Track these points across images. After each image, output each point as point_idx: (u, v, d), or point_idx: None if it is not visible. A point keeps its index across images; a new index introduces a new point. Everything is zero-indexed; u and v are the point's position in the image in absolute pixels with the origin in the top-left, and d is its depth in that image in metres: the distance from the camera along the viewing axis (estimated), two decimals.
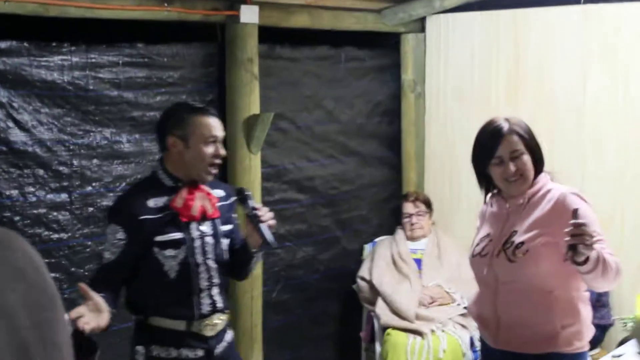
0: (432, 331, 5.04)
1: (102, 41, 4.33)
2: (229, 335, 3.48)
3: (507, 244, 3.28)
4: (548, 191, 3.28)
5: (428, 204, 5.67)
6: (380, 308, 5.23)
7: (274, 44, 5.19)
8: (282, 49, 5.28)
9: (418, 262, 5.46)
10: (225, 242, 3.40)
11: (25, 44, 4.02)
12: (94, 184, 4.29)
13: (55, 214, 4.15)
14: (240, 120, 4.82)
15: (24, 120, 4.02)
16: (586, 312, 3.31)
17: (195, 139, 3.26)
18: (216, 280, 3.35)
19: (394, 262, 5.44)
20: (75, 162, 4.22)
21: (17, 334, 1.00)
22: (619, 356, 3.90)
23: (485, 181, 3.43)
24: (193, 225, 3.29)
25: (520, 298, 3.26)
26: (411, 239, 5.57)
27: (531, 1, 5.50)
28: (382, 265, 5.42)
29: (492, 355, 3.43)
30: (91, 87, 4.27)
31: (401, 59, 6.03)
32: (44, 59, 4.09)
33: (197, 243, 3.29)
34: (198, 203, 3.27)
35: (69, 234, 4.20)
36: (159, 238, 3.20)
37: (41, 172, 4.09)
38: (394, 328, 5.10)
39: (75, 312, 2.76)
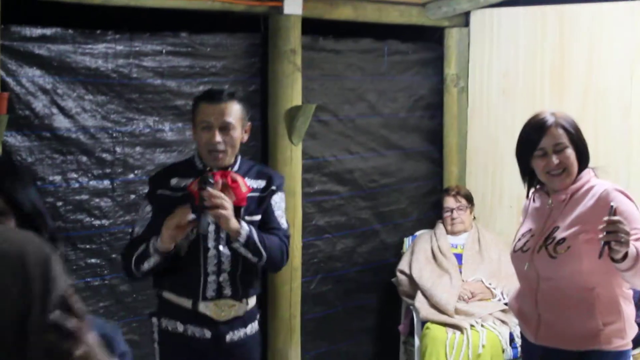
0: (472, 326, 5.01)
1: (146, 30, 4.36)
2: (250, 328, 3.48)
3: (549, 239, 3.25)
4: (592, 187, 3.24)
5: (469, 198, 5.63)
6: (420, 302, 5.21)
7: (317, 35, 5.18)
8: (325, 41, 5.27)
9: (458, 256, 5.44)
10: None
11: (70, 31, 4.06)
12: (136, 172, 4.31)
13: (97, 200, 4.18)
14: (282, 111, 4.83)
15: (68, 107, 4.05)
16: (629, 310, 3.28)
17: (196, 125, 3.36)
18: (227, 267, 3.34)
19: (434, 256, 5.42)
20: (118, 150, 4.25)
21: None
22: None
23: (529, 175, 3.40)
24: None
25: (561, 294, 3.24)
26: (452, 233, 5.54)
27: None
28: (421, 259, 5.40)
29: (532, 351, 3.41)
30: (135, 75, 4.30)
31: (444, 53, 5.99)
32: (89, 46, 4.12)
33: (211, 228, 3.31)
34: (216, 188, 3.25)
35: (111, 221, 4.23)
36: None
37: (84, 158, 4.13)
38: (433, 322, 5.08)
39: None
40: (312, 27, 5.01)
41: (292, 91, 4.85)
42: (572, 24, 5.48)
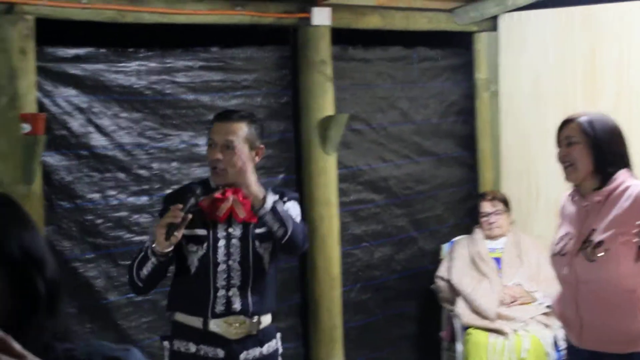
0: (515, 331, 4.97)
1: (178, 46, 4.41)
2: (267, 348, 3.41)
3: (586, 243, 3.23)
4: (627, 187, 3.22)
5: (506, 202, 5.61)
6: (461, 307, 5.18)
7: (346, 45, 5.21)
8: (354, 51, 5.29)
9: (497, 261, 5.41)
10: (261, 245, 3.34)
11: (103, 50, 4.12)
12: (173, 187, 4.34)
13: (136, 216, 4.22)
14: (314, 122, 4.85)
15: (104, 125, 4.10)
16: None
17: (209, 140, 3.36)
18: (236, 282, 3.30)
19: (473, 262, 5.39)
20: (154, 166, 4.29)
21: None
22: None
23: None
24: (221, 226, 3.30)
25: (601, 298, 3.21)
26: (489, 238, 5.52)
27: None
28: (460, 264, 5.38)
29: (578, 355, 3.38)
30: (168, 92, 4.35)
31: (474, 58, 5.99)
32: (122, 64, 4.18)
33: (222, 243, 3.29)
34: (226, 204, 3.25)
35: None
36: (185, 232, 3.20)
37: (122, 175, 4.17)
38: (475, 327, 5.05)
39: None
40: (341, 37, 5.04)
41: (324, 101, 4.87)
42: (601, 24, 5.45)
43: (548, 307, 5.08)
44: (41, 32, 3.76)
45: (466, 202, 6.04)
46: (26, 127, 3.60)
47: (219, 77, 4.57)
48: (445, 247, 5.75)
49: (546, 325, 5.06)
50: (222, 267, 3.30)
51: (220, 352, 3.29)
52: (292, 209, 3.40)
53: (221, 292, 3.30)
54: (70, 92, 3.99)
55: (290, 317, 4.98)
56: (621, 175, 3.25)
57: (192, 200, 3.17)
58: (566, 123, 3.33)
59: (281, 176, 4.90)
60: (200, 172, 4.44)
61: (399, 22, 5.38)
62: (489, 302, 5.11)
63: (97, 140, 4.08)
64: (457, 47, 5.99)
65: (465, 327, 5.12)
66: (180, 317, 3.36)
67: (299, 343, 5.03)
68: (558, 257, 3.35)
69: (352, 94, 5.26)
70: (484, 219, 5.55)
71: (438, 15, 5.64)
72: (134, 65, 4.21)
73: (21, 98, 3.65)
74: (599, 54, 5.47)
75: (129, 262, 3.38)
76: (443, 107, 5.89)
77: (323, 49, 4.85)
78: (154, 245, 3.15)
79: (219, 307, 3.29)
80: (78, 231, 4.02)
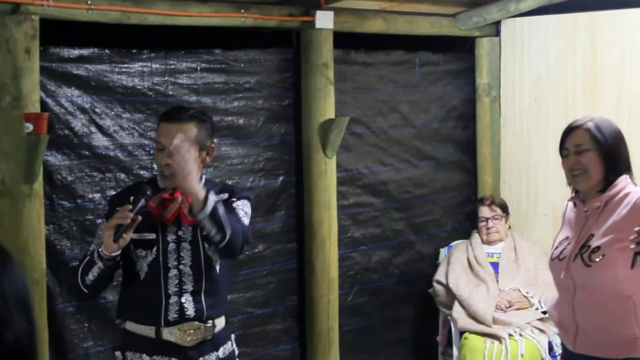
0: (510, 335, 4.99)
1: (181, 48, 4.42)
2: (222, 351, 3.32)
3: (584, 248, 3.24)
4: (627, 194, 3.22)
5: (504, 207, 5.63)
6: (457, 312, 5.20)
7: (348, 49, 5.22)
8: (356, 54, 5.30)
9: (495, 266, 5.43)
10: (209, 247, 3.23)
11: (107, 51, 4.13)
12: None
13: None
14: (315, 124, 4.86)
15: (106, 126, 4.12)
16: None
17: (155, 142, 3.25)
18: (189, 287, 3.20)
19: (470, 266, 5.42)
20: (155, 167, 4.29)
21: None
22: None
23: None
24: (170, 228, 3.20)
25: (597, 303, 3.22)
26: (487, 242, 5.54)
27: (607, 3, 5.44)
28: (458, 269, 5.40)
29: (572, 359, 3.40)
30: (170, 93, 4.36)
31: (476, 63, 6.01)
32: (125, 65, 4.19)
33: (172, 247, 3.19)
34: (175, 206, 3.14)
35: None
36: (133, 236, 3.09)
37: (122, 176, 4.18)
38: (471, 332, 5.07)
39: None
40: (343, 40, 5.06)
41: (325, 104, 4.89)
42: (604, 31, 5.47)
43: (544, 312, 5.10)
44: (45, 32, 3.76)
45: (465, 206, 6.06)
46: (29, 127, 3.61)
47: (221, 79, 4.58)
48: (443, 252, 5.77)
49: (542, 331, 5.08)
50: (173, 272, 3.19)
51: None
52: (240, 208, 3.29)
53: (173, 299, 3.19)
54: (74, 92, 4.00)
55: (287, 319, 5.01)
56: (621, 182, 3.26)
57: (142, 201, 3.06)
58: (572, 130, 3.30)
59: (281, 178, 4.91)
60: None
61: (401, 27, 5.39)
62: (485, 307, 5.13)
63: (99, 140, 4.09)
64: (459, 51, 6.00)
65: (462, 332, 5.14)
66: (131, 326, 3.25)
67: (295, 345, 5.05)
68: (556, 261, 3.36)
69: (354, 97, 5.27)
70: (482, 223, 5.58)
71: (441, 19, 5.66)
72: (137, 66, 4.22)
73: (25, 97, 3.66)
74: (599, 59, 5.49)
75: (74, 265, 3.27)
76: (444, 111, 5.90)
77: (325, 52, 4.86)
78: (100, 249, 3.03)
79: (172, 315, 3.18)
80: (78, 230, 4.03)
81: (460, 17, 5.74)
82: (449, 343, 5.40)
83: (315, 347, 4.99)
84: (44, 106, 3.85)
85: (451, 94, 5.95)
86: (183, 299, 3.19)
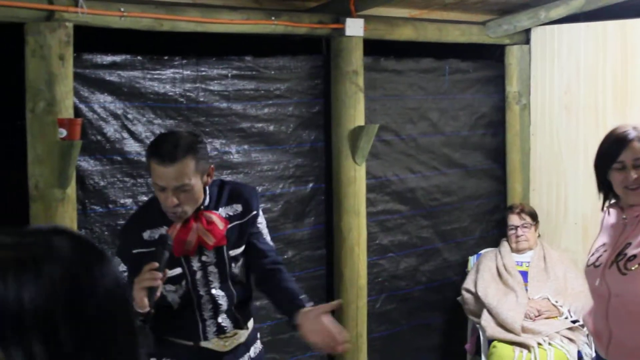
0: (539, 344, 4.97)
1: (212, 54, 4.45)
2: (253, 351, 3.36)
3: (620, 255, 3.22)
4: None
5: (534, 216, 5.60)
6: (486, 320, 5.19)
7: (378, 56, 5.23)
8: (386, 62, 5.31)
9: (524, 274, 5.40)
10: (236, 265, 3.24)
11: (139, 58, 4.17)
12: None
13: None
14: (345, 131, 4.87)
15: (138, 131, 4.15)
16: None
17: (153, 181, 3.09)
18: (224, 307, 3.21)
19: (499, 275, 5.40)
20: None
21: None
22: None
23: (605, 188, 3.37)
24: (194, 257, 3.15)
25: (631, 311, 3.20)
26: (516, 251, 5.52)
27: (638, 12, 5.41)
28: (487, 277, 5.38)
29: None
30: (201, 99, 4.39)
31: (505, 70, 5.99)
32: (157, 72, 4.22)
33: (199, 275, 3.16)
34: (193, 236, 3.08)
35: None
36: None
37: None
38: (500, 340, 5.05)
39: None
40: (373, 48, 5.07)
41: (355, 112, 4.90)
42: (634, 39, 5.45)
43: (574, 322, 5.08)
44: (79, 39, 3.81)
45: (493, 214, 6.04)
46: (63, 132, 3.65)
47: (252, 86, 4.61)
48: (472, 260, 5.76)
49: (571, 340, 5.05)
50: (205, 297, 3.18)
51: None
52: (263, 225, 3.30)
53: (210, 321, 3.21)
54: (106, 98, 4.04)
55: None
56: None
57: (166, 254, 2.94)
58: (628, 142, 3.22)
59: (311, 185, 4.93)
60: (231, 179, 4.45)
61: (431, 34, 5.39)
62: (514, 316, 5.11)
63: (131, 146, 4.13)
64: (488, 59, 5.99)
65: (490, 340, 5.13)
66: (169, 337, 3.24)
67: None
68: (592, 268, 3.34)
69: (383, 104, 5.28)
70: (512, 232, 5.56)
71: (471, 27, 5.66)
72: (168, 72, 4.26)
73: (58, 103, 3.70)
74: (630, 67, 5.46)
75: None
76: (473, 119, 5.89)
77: (355, 60, 4.87)
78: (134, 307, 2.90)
79: (211, 335, 3.21)
80: (110, 235, 4.07)
81: (490, 24, 5.74)
82: (477, 351, 5.38)
83: (344, 354, 4.98)
84: (77, 112, 3.89)
85: (480, 101, 5.94)
86: (220, 319, 3.22)
